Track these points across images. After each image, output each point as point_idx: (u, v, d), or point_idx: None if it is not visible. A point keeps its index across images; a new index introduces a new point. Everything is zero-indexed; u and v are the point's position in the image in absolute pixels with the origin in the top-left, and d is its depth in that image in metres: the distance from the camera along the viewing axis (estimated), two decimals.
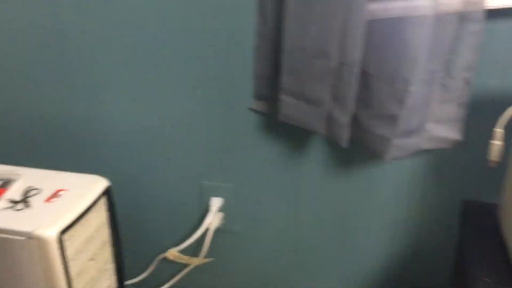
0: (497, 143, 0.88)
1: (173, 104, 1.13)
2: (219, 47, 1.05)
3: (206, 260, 1.25)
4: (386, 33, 0.87)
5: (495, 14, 0.91)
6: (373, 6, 0.88)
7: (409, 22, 0.84)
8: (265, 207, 1.19)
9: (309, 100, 0.97)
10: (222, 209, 1.21)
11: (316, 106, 0.97)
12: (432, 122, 0.98)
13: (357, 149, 1.04)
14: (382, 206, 1.12)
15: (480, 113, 0.98)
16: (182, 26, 1.05)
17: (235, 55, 1.05)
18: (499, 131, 0.88)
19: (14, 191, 1.00)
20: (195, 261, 1.25)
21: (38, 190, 1.00)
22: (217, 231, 1.21)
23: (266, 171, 1.15)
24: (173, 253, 1.24)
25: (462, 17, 0.89)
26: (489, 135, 0.87)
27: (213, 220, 1.20)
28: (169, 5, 1.04)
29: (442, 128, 0.99)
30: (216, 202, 1.20)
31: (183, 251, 1.24)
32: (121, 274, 1.12)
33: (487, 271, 0.85)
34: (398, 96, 0.89)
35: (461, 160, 1.04)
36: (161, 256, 1.26)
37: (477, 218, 0.98)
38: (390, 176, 1.09)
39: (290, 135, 1.09)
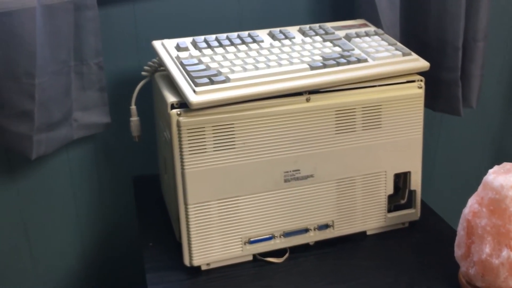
0: (134, 119, 0.95)
1: None
2: None
3: None
4: None
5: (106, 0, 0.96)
6: None
7: (16, 15, 0.82)
8: None
9: None
10: None
11: None
12: (79, 110, 0.99)
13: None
14: (62, 203, 1.10)
15: (122, 92, 1.03)
16: None
17: None
18: (132, 108, 0.94)
19: None
20: None
21: None
22: None
23: None
24: None
25: (76, 5, 0.91)
26: None
27: None
28: None
29: (90, 115, 1.00)
30: None
31: None
32: None
33: (153, 236, 0.91)
34: (27, 92, 0.87)
35: (122, 140, 1.07)
36: None
37: (147, 190, 1.05)
38: (62, 171, 1.07)
39: None
